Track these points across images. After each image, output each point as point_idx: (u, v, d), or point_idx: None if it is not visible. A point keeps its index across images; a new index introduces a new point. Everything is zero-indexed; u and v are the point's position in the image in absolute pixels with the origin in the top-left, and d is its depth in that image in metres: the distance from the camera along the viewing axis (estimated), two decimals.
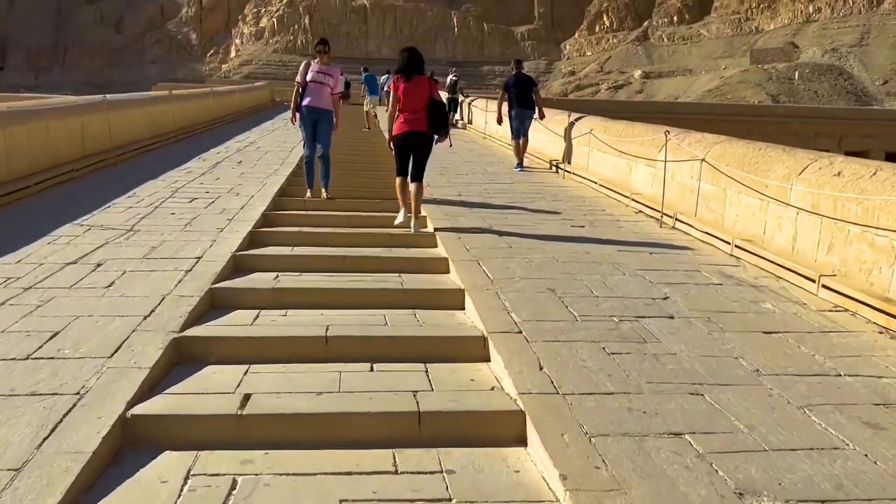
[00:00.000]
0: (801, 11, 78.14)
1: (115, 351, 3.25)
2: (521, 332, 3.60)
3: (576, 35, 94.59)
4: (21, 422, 2.60)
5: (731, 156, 6.01)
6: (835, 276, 4.42)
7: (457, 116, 19.54)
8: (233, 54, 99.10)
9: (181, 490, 2.38)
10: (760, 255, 5.12)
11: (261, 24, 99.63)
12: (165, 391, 3.01)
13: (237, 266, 4.87)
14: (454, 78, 20.01)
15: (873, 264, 4.21)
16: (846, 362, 3.39)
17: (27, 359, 3.15)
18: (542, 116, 10.79)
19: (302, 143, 7.50)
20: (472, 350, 3.54)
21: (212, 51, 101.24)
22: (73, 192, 7.40)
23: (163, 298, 3.96)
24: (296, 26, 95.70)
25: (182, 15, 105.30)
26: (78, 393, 2.84)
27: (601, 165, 8.96)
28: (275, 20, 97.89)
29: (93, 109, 9.71)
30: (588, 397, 2.91)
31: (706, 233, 5.92)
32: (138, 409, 2.75)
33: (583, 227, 6.42)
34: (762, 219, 5.39)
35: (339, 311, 4.08)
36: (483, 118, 16.23)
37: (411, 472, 2.54)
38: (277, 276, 4.67)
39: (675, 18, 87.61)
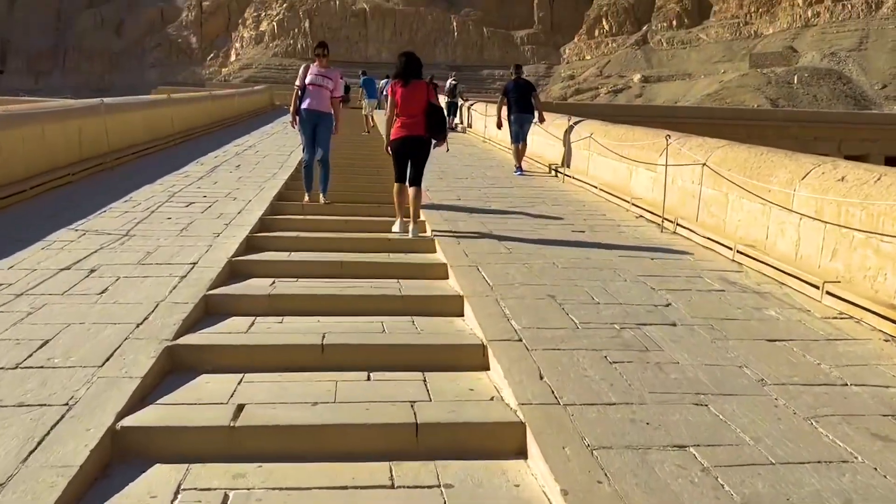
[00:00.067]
0: (800, 16, 78.31)
1: (107, 360, 3.18)
2: (521, 340, 3.53)
3: (575, 39, 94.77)
4: (7, 434, 2.53)
5: (732, 160, 5.95)
6: (839, 282, 4.36)
7: (456, 120, 19.53)
8: (233, 58, 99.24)
9: None
10: (763, 260, 5.06)
11: (261, 28, 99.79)
12: (157, 401, 2.94)
13: (233, 272, 4.81)
14: (453, 82, 20.02)
15: (878, 271, 4.15)
16: (852, 371, 3.32)
17: (16, 368, 3.08)
18: (541, 120, 10.77)
19: (301, 146, 7.45)
20: (472, 358, 3.48)
21: (212, 54, 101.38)
22: (69, 197, 7.34)
23: (156, 305, 3.89)
24: (296, 30, 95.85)
25: (182, 19, 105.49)
26: (67, 404, 2.77)
27: (601, 169, 8.91)
28: (275, 24, 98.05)
29: (90, 113, 9.66)
30: (590, 408, 2.84)
31: (708, 238, 5.86)
32: (128, 421, 2.68)
33: (583, 232, 6.36)
34: (764, 224, 5.33)
35: (336, 318, 4.02)
36: (482, 122, 16.19)
37: (408, 487, 2.47)
38: (274, 282, 4.60)
39: (675, 23, 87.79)
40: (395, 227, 6.01)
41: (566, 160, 10.13)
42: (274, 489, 2.43)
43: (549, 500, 2.38)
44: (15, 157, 7.45)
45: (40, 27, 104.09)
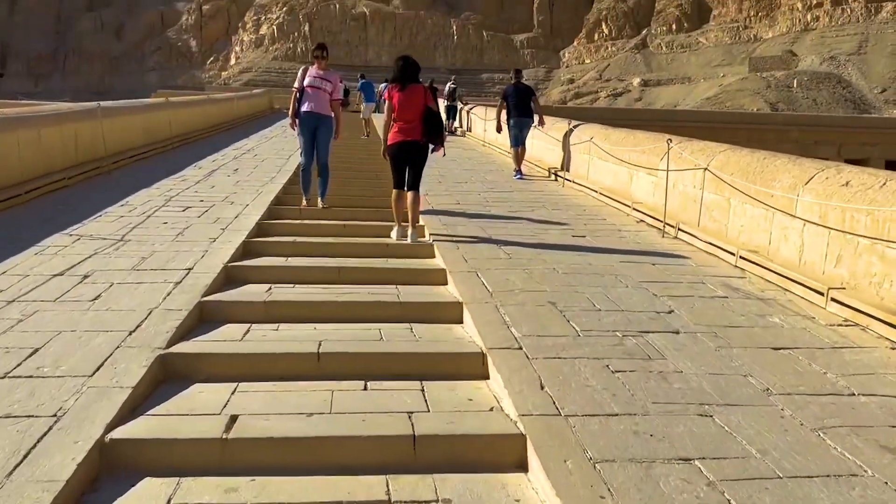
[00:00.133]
0: (800, 20, 78.46)
1: (97, 369, 3.11)
2: (521, 349, 3.47)
3: (575, 43, 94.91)
4: None
5: (734, 165, 5.89)
6: (844, 289, 4.29)
7: (455, 124, 19.50)
8: (232, 61, 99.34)
9: None
10: (766, 266, 5.00)
11: (261, 32, 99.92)
12: (148, 412, 2.87)
13: (229, 278, 4.74)
14: (452, 86, 20.01)
15: (884, 277, 4.08)
16: (860, 380, 3.25)
17: (4, 377, 3.01)
18: (541, 123, 10.74)
19: (299, 150, 7.38)
20: (471, 367, 3.41)
21: (211, 58, 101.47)
22: (65, 201, 7.27)
23: (150, 312, 3.82)
24: (296, 34, 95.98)
25: (182, 22, 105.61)
26: (55, 415, 2.69)
27: (601, 174, 8.85)
28: (275, 28, 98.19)
29: (86, 117, 9.60)
30: (592, 419, 2.77)
31: (709, 243, 5.79)
32: (118, 433, 2.61)
33: (584, 236, 6.29)
34: (767, 229, 5.27)
35: (332, 326, 3.95)
36: (482, 126, 16.15)
37: (405, 501, 2.40)
38: (270, 289, 4.53)
39: (674, 26, 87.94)
40: (394, 234, 5.94)
41: (566, 164, 10.08)
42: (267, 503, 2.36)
43: None
44: (10, 161, 7.38)
45: (40, 30, 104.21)
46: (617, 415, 2.82)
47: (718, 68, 78.83)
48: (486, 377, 3.33)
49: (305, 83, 7.07)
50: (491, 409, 2.99)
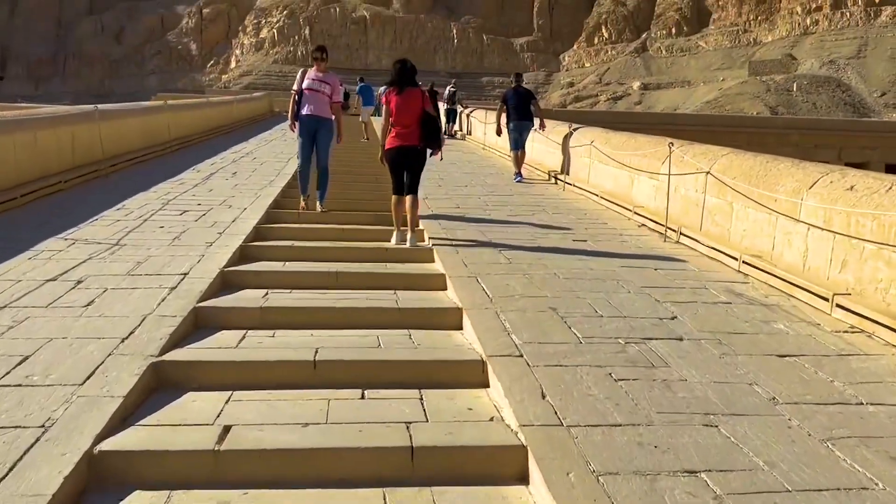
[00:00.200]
0: (799, 24, 78.56)
1: (88, 377, 3.04)
2: (521, 356, 3.40)
3: (575, 47, 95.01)
4: None
5: (737, 168, 5.83)
6: (849, 294, 4.23)
7: (455, 127, 19.47)
8: (233, 65, 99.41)
9: None
10: (769, 271, 4.93)
11: (261, 35, 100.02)
12: (139, 422, 2.79)
13: (225, 283, 4.67)
14: (452, 89, 20.00)
15: (890, 283, 4.01)
16: (867, 389, 3.18)
17: None
18: (542, 127, 10.70)
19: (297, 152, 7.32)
20: (471, 375, 3.34)
21: (212, 61, 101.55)
22: (61, 205, 7.21)
23: (143, 319, 3.75)
24: (296, 37, 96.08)
25: (182, 26, 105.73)
26: (43, 426, 2.62)
27: (602, 177, 8.79)
28: (275, 31, 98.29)
29: (83, 120, 9.54)
30: (595, 430, 2.70)
31: (712, 248, 5.73)
32: (107, 445, 2.54)
33: (585, 241, 6.23)
34: (770, 234, 5.20)
35: (329, 332, 3.88)
36: (482, 129, 16.10)
37: None
38: (267, 294, 4.47)
39: (674, 30, 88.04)
40: (393, 239, 5.88)
41: (566, 168, 10.02)
42: None
43: None
44: (6, 164, 7.32)
45: (40, 34, 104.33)
46: (620, 425, 2.75)
47: (718, 72, 78.89)
48: (486, 385, 3.26)
49: (304, 86, 7.01)
50: (491, 419, 2.92)
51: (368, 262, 5.39)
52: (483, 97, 64.24)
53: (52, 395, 2.87)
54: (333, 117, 7.10)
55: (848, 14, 75.47)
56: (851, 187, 4.46)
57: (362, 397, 3.14)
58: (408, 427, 2.78)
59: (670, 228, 6.41)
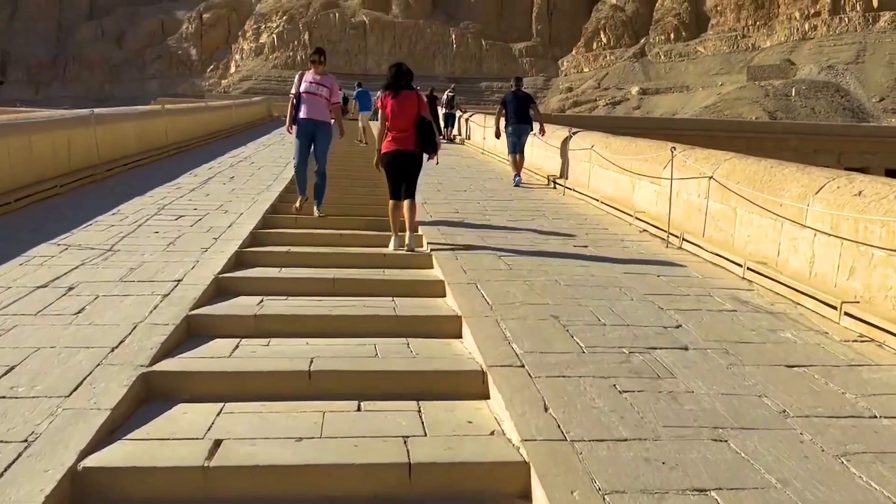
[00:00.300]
0: (798, 29, 78.76)
1: (75, 389, 2.94)
2: (523, 366, 3.30)
3: (573, 52, 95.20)
4: None
5: (740, 173, 5.75)
6: (858, 302, 4.13)
7: (454, 132, 19.42)
8: (232, 70, 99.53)
9: None
10: (775, 278, 4.84)
11: (261, 41, 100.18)
12: (127, 436, 2.69)
13: (220, 289, 4.57)
14: (450, 94, 19.98)
15: None
16: (881, 401, 3.08)
17: None
18: (542, 132, 10.63)
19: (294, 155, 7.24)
20: (470, 386, 3.24)
21: (212, 66, 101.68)
22: (56, 209, 7.11)
23: (134, 327, 3.65)
24: (295, 42, 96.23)
25: (182, 31, 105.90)
26: (26, 440, 2.52)
27: (603, 182, 8.71)
28: (275, 36, 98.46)
29: (79, 124, 9.45)
30: (599, 445, 2.60)
31: (715, 254, 5.64)
32: (92, 460, 2.44)
33: (586, 246, 6.14)
34: (776, 240, 5.11)
35: (326, 340, 3.78)
36: (481, 134, 16.03)
37: None
38: (262, 301, 4.37)
39: (672, 35, 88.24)
40: (391, 245, 5.78)
41: (566, 172, 9.94)
42: None
43: None
44: (0, 169, 7.22)
45: (41, 38, 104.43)
46: (626, 440, 2.65)
47: (717, 77, 79.04)
48: (487, 397, 3.16)
49: (302, 89, 6.95)
50: (492, 433, 2.82)
51: (366, 267, 5.30)
52: (482, 102, 64.30)
53: (37, 408, 2.76)
54: (332, 121, 7.05)
55: (846, 19, 75.67)
56: (859, 193, 4.38)
57: (358, 409, 3.04)
58: (405, 441, 2.68)
59: (672, 234, 6.32)
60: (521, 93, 10.60)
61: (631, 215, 7.38)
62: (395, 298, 4.56)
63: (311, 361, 3.33)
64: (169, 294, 4.24)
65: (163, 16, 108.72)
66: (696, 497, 2.30)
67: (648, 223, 6.96)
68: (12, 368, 3.12)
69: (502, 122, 10.60)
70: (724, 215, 5.85)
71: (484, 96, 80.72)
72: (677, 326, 3.98)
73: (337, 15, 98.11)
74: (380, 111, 5.90)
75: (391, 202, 5.87)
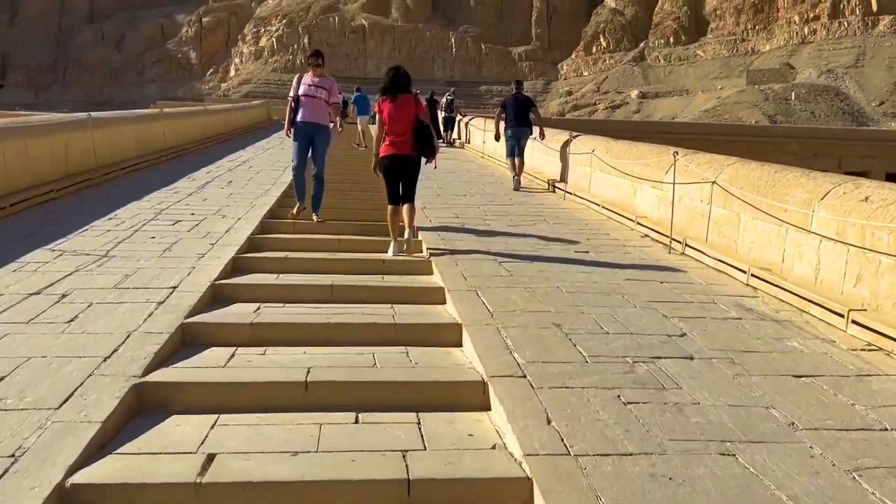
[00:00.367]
0: (797, 33, 78.86)
1: (65, 400, 2.86)
2: (525, 377, 3.22)
3: (573, 55, 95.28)
4: None
5: (744, 178, 5.68)
6: (865, 310, 4.06)
7: (454, 136, 19.37)
8: (232, 73, 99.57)
9: None
10: (780, 285, 4.77)
11: (260, 44, 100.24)
12: (118, 450, 2.62)
13: (216, 296, 4.50)
14: (450, 98, 19.96)
15: None
16: (891, 413, 3.01)
17: None
18: (542, 136, 10.58)
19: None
20: (471, 397, 3.16)
21: (211, 70, 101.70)
22: (52, 214, 7.04)
23: (128, 336, 3.58)
24: (295, 46, 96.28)
25: (182, 34, 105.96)
26: (13, 455, 2.44)
27: (603, 186, 8.64)
28: (274, 40, 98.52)
29: (76, 127, 9.39)
30: (604, 459, 2.53)
31: (719, 260, 5.57)
32: (80, 476, 2.36)
33: (587, 252, 6.07)
34: (780, 246, 5.04)
35: (323, 349, 3.70)
36: (481, 137, 15.98)
37: None
38: (259, 308, 4.30)
39: (672, 39, 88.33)
40: (391, 250, 5.72)
41: (566, 176, 9.88)
42: None
43: None
44: None
45: (41, 41, 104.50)
46: (632, 454, 2.57)
47: (716, 81, 79.08)
48: (488, 408, 3.09)
49: (301, 92, 6.89)
50: (493, 447, 2.74)
51: (365, 273, 5.23)
52: (482, 105, 64.30)
53: (26, 421, 2.69)
54: (331, 124, 7.00)
55: (846, 23, 75.79)
56: (866, 198, 4.31)
57: (356, 421, 2.96)
58: (404, 456, 2.60)
59: (675, 240, 6.25)
60: (522, 96, 10.56)
61: (632, 220, 7.31)
62: (394, 305, 4.49)
63: (308, 371, 3.26)
64: (164, 301, 4.17)
65: (162, 20, 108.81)
66: None
67: (650, 228, 6.89)
68: (1, 379, 3.04)
69: (502, 124, 10.56)
70: (727, 221, 5.78)
71: (483, 100, 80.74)
72: (682, 335, 3.91)
73: (336, 19, 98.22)
74: (377, 116, 5.85)
75: (389, 207, 5.81)
